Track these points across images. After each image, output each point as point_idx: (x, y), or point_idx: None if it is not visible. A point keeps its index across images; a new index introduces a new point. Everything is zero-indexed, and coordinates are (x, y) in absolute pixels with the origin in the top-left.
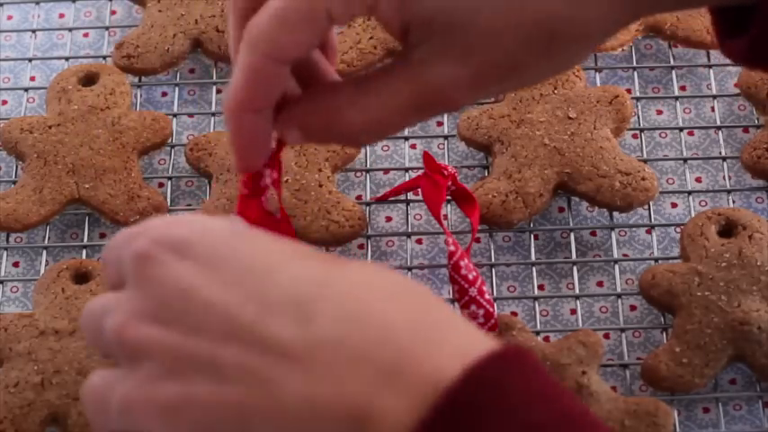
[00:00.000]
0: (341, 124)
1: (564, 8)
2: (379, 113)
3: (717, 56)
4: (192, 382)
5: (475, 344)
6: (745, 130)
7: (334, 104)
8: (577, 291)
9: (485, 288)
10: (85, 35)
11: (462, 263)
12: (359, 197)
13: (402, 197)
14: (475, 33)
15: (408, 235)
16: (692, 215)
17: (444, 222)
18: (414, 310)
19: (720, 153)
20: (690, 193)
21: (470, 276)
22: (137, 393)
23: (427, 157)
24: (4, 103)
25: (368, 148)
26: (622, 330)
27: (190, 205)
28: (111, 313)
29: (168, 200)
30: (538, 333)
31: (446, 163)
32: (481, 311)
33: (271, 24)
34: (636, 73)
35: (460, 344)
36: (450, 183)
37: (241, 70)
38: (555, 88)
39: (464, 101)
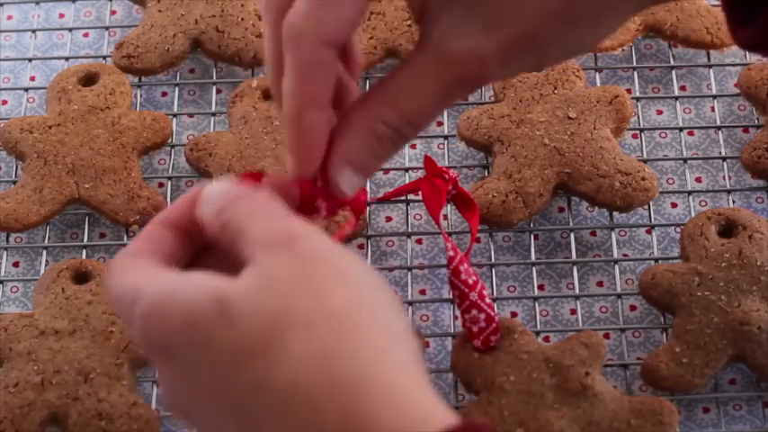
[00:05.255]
0: (379, 131)
1: None
2: (410, 102)
3: (717, 56)
4: None
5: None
6: (745, 130)
7: (367, 116)
8: (577, 291)
9: (485, 292)
10: (85, 35)
11: (462, 267)
12: None
13: (402, 197)
14: (496, 3)
15: (408, 235)
16: (692, 215)
17: (444, 222)
18: (344, 407)
19: (720, 153)
20: (690, 193)
21: (470, 281)
22: None
23: (428, 160)
24: (4, 103)
25: None
26: (622, 330)
27: None
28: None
29: (168, 200)
30: (538, 333)
31: (446, 163)
32: (482, 315)
33: (312, 6)
34: (636, 73)
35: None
36: (450, 187)
37: (294, 67)
38: (555, 88)
39: (493, 76)
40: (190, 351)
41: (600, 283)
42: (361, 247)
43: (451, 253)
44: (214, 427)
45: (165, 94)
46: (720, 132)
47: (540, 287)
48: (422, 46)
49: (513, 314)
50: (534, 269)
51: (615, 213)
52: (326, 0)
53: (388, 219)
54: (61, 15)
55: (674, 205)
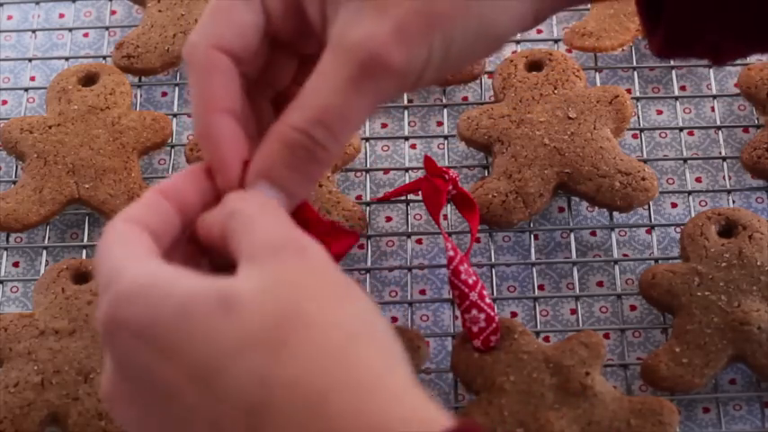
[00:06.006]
0: (289, 137)
1: None
2: (316, 101)
3: None
4: None
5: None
6: (745, 130)
7: (279, 124)
8: (577, 291)
9: (485, 292)
10: (85, 35)
11: (462, 267)
12: (359, 197)
13: (402, 197)
14: None
15: (408, 235)
16: (692, 215)
17: (444, 222)
18: (355, 406)
19: (720, 153)
20: (690, 193)
21: (470, 281)
22: None
23: (428, 160)
24: (4, 103)
25: (368, 148)
26: (622, 330)
27: None
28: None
29: None
30: (538, 333)
31: (446, 163)
32: (482, 316)
33: (204, 21)
34: (636, 73)
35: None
36: (450, 187)
37: (192, 77)
38: (555, 88)
39: (398, 63)
40: (177, 339)
41: (600, 283)
42: (361, 247)
43: (451, 253)
44: (181, 419)
45: (165, 94)
46: (720, 132)
47: (540, 287)
48: (325, 49)
49: (513, 314)
50: (534, 269)
51: (615, 213)
52: (217, 13)
53: (388, 219)
54: (61, 15)
55: (674, 205)
